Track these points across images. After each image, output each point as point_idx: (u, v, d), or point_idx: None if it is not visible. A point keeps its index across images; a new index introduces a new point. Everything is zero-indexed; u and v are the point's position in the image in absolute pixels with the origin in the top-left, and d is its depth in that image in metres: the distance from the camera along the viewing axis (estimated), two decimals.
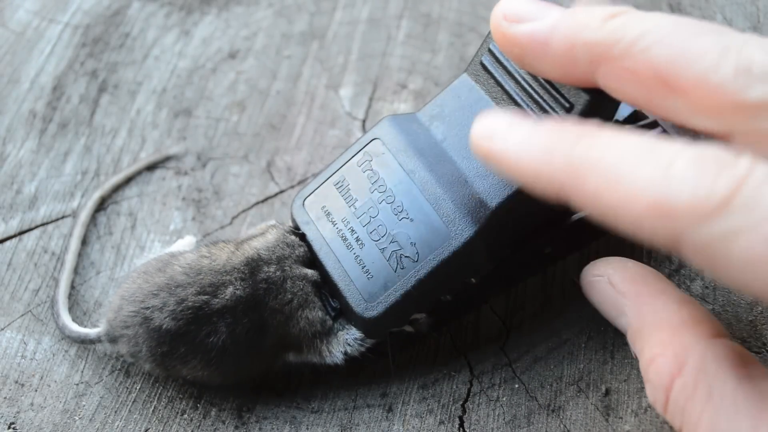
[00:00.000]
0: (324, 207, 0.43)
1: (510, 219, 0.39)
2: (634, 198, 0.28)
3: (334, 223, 0.42)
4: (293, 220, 0.44)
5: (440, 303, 0.42)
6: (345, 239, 0.42)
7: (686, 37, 0.30)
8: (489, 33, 0.40)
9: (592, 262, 0.40)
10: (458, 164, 0.40)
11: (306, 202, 0.44)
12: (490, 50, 0.40)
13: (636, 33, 0.31)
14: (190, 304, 0.40)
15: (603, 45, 0.32)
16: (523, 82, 0.39)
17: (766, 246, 0.26)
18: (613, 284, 0.38)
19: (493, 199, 0.39)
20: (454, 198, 0.39)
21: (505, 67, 0.40)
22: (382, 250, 0.40)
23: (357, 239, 0.41)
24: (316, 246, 0.42)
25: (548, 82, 0.38)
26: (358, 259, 0.41)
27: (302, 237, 0.44)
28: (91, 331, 0.45)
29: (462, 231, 0.39)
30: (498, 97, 0.40)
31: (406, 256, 0.40)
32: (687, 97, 0.30)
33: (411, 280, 0.39)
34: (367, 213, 0.41)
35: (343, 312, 0.42)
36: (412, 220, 0.40)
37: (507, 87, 0.39)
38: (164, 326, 0.40)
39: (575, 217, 0.44)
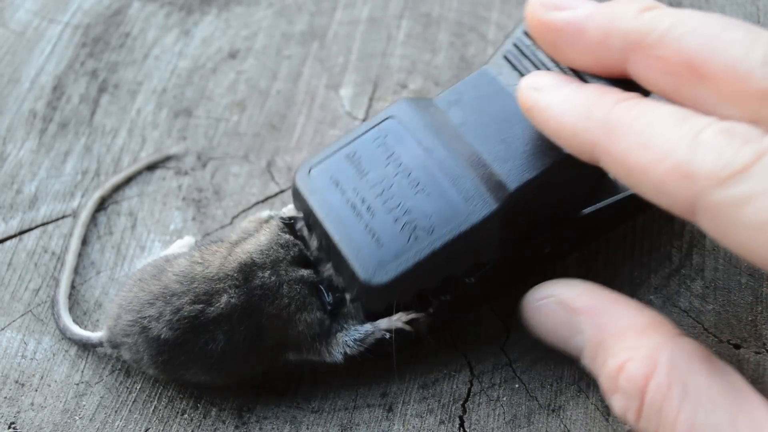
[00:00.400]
0: (332, 177, 0.41)
1: (526, 205, 0.39)
2: (660, 159, 0.30)
3: (343, 192, 0.41)
4: (296, 189, 0.43)
5: (441, 304, 0.42)
6: (354, 208, 0.40)
7: (716, 29, 0.32)
8: (514, 30, 0.41)
9: (532, 288, 0.40)
10: (476, 148, 0.40)
11: (312, 172, 0.42)
12: (515, 45, 0.41)
13: (669, 23, 0.33)
14: (185, 313, 0.40)
15: (637, 33, 0.34)
16: None
17: None
18: (563, 303, 0.38)
19: (513, 183, 0.38)
20: (473, 176, 0.39)
21: (531, 61, 0.40)
22: (395, 220, 0.39)
23: (368, 208, 0.40)
24: (322, 214, 0.41)
25: (577, 76, 0.38)
26: (368, 227, 0.39)
27: (293, 229, 0.43)
28: (93, 335, 0.45)
29: (481, 207, 0.38)
30: None
31: (420, 228, 0.39)
32: (715, 85, 0.32)
33: (425, 251, 0.38)
34: (380, 184, 0.40)
35: (346, 287, 0.41)
36: (428, 194, 0.39)
37: None
38: (162, 336, 0.40)
39: (581, 213, 0.44)
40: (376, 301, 0.40)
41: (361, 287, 0.39)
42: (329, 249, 0.41)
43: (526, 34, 0.40)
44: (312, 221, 0.42)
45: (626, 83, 0.36)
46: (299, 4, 0.65)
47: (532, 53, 0.40)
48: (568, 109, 0.34)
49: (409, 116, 0.42)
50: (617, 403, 0.34)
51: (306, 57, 0.61)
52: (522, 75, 0.40)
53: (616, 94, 0.34)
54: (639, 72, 0.34)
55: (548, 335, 0.39)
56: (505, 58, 0.41)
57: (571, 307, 0.37)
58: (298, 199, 0.43)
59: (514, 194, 0.38)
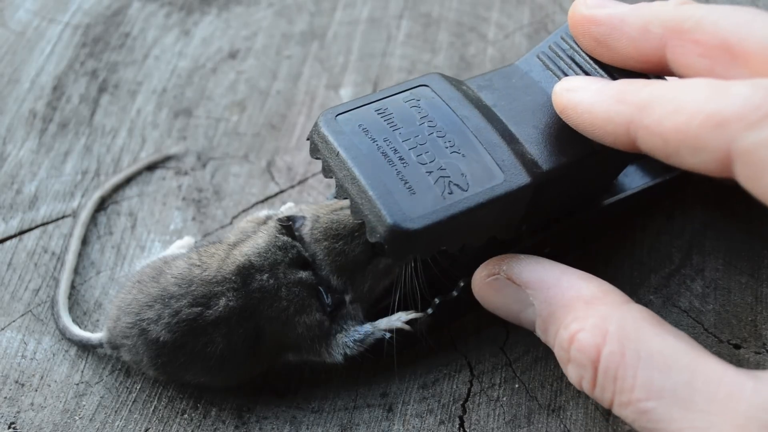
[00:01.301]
0: (362, 125, 0.39)
1: (553, 189, 0.40)
2: (692, 116, 0.32)
3: (374, 140, 0.38)
4: (316, 133, 0.39)
5: (442, 303, 0.42)
6: (386, 156, 0.38)
7: (749, 15, 0.35)
8: (554, 33, 0.42)
9: (481, 266, 0.40)
10: (510, 127, 0.40)
11: (339, 118, 0.39)
12: (551, 47, 0.42)
13: (705, 11, 0.36)
14: (184, 316, 0.40)
15: (676, 20, 0.36)
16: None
17: None
18: (511, 278, 0.38)
19: (546, 164, 0.39)
20: (508, 149, 0.39)
21: (565, 62, 0.41)
22: (429, 173, 0.38)
23: (401, 158, 0.38)
24: (349, 155, 0.38)
25: (612, 78, 0.39)
26: (401, 175, 0.37)
27: (290, 230, 0.42)
28: (93, 336, 0.45)
29: (517, 177, 0.38)
30: (551, 87, 0.40)
31: (455, 184, 0.38)
32: (748, 63, 0.34)
33: (459, 205, 0.37)
34: (413, 140, 0.39)
35: (365, 230, 0.38)
36: (464, 155, 0.39)
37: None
38: (161, 338, 0.40)
39: (607, 201, 0.45)
40: (400, 249, 0.37)
41: (388, 232, 0.36)
42: (351, 195, 0.38)
43: (563, 38, 0.41)
44: (335, 165, 0.38)
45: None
46: (299, 4, 0.65)
47: (567, 56, 0.41)
48: (600, 100, 0.36)
49: (442, 86, 0.41)
50: (572, 373, 0.35)
51: (306, 57, 0.61)
52: (554, 73, 0.41)
53: (643, 80, 0.36)
54: (677, 57, 0.36)
55: (500, 310, 0.39)
56: (538, 57, 0.42)
57: (518, 282, 0.38)
58: (319, 143, 0.39)
59: (546, 174, 0.39)
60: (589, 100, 0.36)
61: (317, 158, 0.39)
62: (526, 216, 0.40)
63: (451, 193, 0.37)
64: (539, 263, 0.38)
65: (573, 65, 0.41)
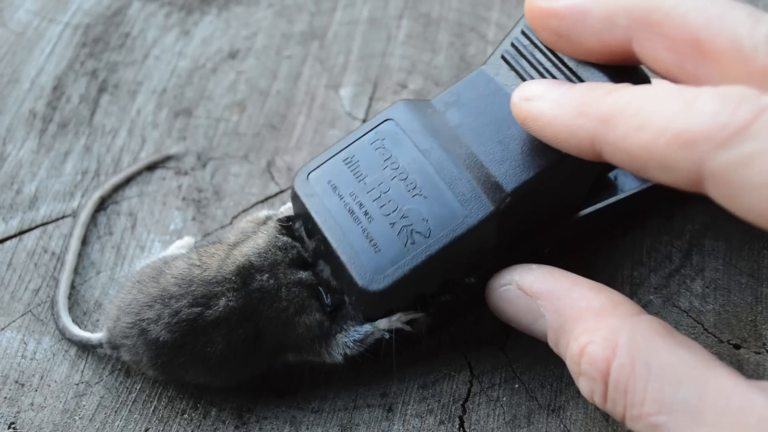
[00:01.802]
0: (330, 181, 0.41)
1: (523, 206, 0.39)
2: (659, 133, 0.30)
3: (341, 197, 0.41)
4: (294, 194, 0.43)
5: (440, 304, 0.42)
6: (352, 213, 0.40)
7: (720, 8, 0.32)
8: (512, 30, 0.41)
9: (493, 276, 0.40)
10: (473, 149, 0.40)
11: (311, 176, 0.42)
12: (513, 44, 0.41)
13: (675, 1, 0.33)
14: (184, 316, 0.40)
15: (643, 10, 0.34)
16: (547, 75, 0.39)
17: None
18: (523, 289, 0.38)
19: (510, 184, 0.39)
20: (470, 178, 0.39)
21: (529, 60, 0.40)
22: (392, 224, 0.39)
23: (365, 213, 0.40)
24: (320, 219, 0.41)
25: (575, 75, 0.38)
26: (366, 232, 0.39)
27: (290, 231, 0.43)
28: (93, 336, 0.45)
29: (478, 210, 0.38)
30: None
31: (417, 232, 0.39)
32: (719, 62, 0.32)
33: (422, 255, 0.38)
34: (377, 188, 0.40)
35: (344, 291, 0.41)
36: (425, 197, 0.39)
37: (529, 78, 0.40)
38: (161, 338, 0.40)
39: (581, 213, 0.44)
40: (375, 307, 0.40)
41: (359, 293, 0.39)
42: (328, 254, 0.41)
43: (524, 33, 0.41)
44: (311, 226, 0.42)
45: (624, 73, 0.36)
46: (299, 4, 0.65)
47: (530, 53, 0.40)
48: (561, 112, 0.34)
49: (406, 118, 0.42)
50: (583, 386, 0.34)
51: (306, 57, 0.61)
52: (519, 75, 0.40)
53: (605, 86, 0.34)
54: (644, 51, 0.34)
55: (513, 321, 0.39)
56: (503, 58, 0.41)
57: (530, 293, 0.37)
58: (297, 203, 0.43)
59: (511, 195, 0.39)
60: (549, 112, 0.35)
61: (299, 215, 0.43)
62: (501, 238, 0.40)
63: (413, 243, 0.39)
64: (550, 274, 0.38)
65: (537, 63, 0.40)
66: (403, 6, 0.64)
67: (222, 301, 0.40)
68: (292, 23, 0.63)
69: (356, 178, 0.41)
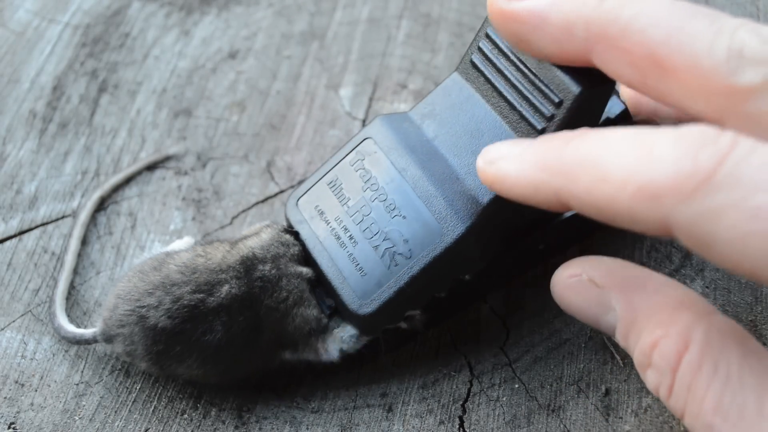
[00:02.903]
0: (317, 206, 0.43)
1: (501, 216, 0.39)
2: (622, 186, 0.29)
3: (327, 222, 0.42)
4: (287, 220, 0.44)
5: (435, 300, 0.42)
6: (338, 238, 0.42)
7: (681, 20, 0.31)
8: (478, 32, 0.41)
9: (561, 266, 0.39)
10: (449, 161, 0.40)
11: (300, 202, 0.44)
12: (479, 48, 0.40)
13: (631, 13, 0.32)
14: (185, 302, 0.40)
15: (599, 23, 0.32)
16: (513, 79, 0.39)
17: (750, 223, 0.26)
18: (593, 280, 0.37)
19: (485, 196, 0.39)
20: (445, 195, 0.39)
21: (495, 65, 0.40)
22: (375, 247, 0.40)
23: (350, 237, 0.41)
24: (310, 245, 0.42)
25: (537, 78, 0.38)
26: (352, 257, 0.41)
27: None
28: (87, 332, 0.44)
29: (454, 228, 0.39)
30: (488, 95, 0.40)
31: (399, 254, 0.40)
32: (679, 79, 0.30)
33: (404, 277, 0.39)
34: (359, 211, 0.41)
35: (338, 310, 0.42)
36: (404, 217, 0.40)
37: (497, 84, 0.40)
38: (160, 324, 0.40)
39: (567, 214, 0.44)
40: (368, 328, 0.41)
41: (351, 317, 0.41)
42: (320, 278, 0.42)
43: (488, 36, 0.40)
44: (306, 252, 0.43)
45: (587, 74, 0.36)
46: (299, 4, 0.65)
47: (495, 57, 0.40)
48: (523, 169, 0.33)
49: (383, 135, 0.42)
50: (650, 379, 0.34)
51: (306, 57, 0.61)
52: (487, 80, 0.40)
53: (563, 136, 0.33)
54: (604, 63, 0.33)
55: (579, 313, 0.38)
56: (471, 62, 0.41)
57: (601, 284, 0.36)
58: (292, 232, 0.44)
59: (487, 208, 0.39)
60: (513, 173, 0.34)
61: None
62: (484, 250, 0.40)
63: (396, 264, 0.40)
64: (624, 266, 0.37)
65: (502, 68, 0.39)
66: (403, 6, 0.64)
67: (225, 288, 0.40)
68: (292, 23, 0.63)
69: (340, 201, 0.42)
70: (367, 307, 0.40)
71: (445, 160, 0.40)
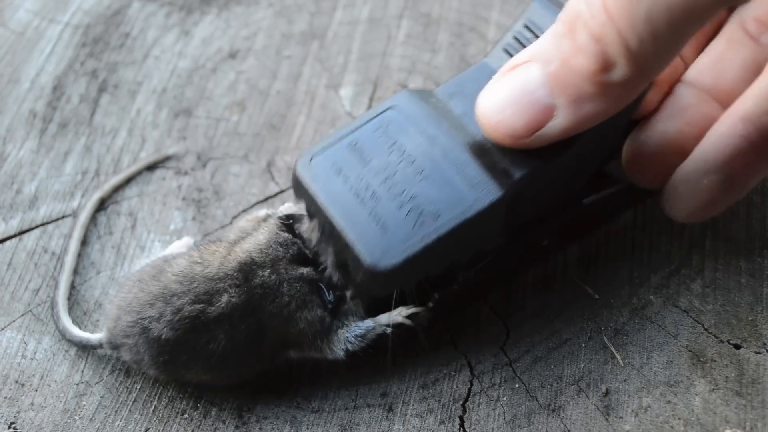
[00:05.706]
0: (335, 165, 0.41)
1: (530, 193, 0.40)
2: None
3: (346, 180, 0.41)
4: (296, 178, 0.42)
5: (439, 297, 0.42)
6: (358, 195, 0.40)
7: None
8: (516, 21, 0.41)
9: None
10: (479, 136, 0.40)
11: (314, 161, 0.42)
12: (516, 38, 0.41)
13: None
14: (186, 313, 0.40)
15: None
16: None
17: None
18: None
19: (518, 171, 0.39)
20: (478, 164, 0.39)
21: None
22: (400, 206, 0.39)
23: (372, 195, 0.40)
24: (325, 201, 0.40)
25: None
26: (373, 213, 0.39)
27: (291, 228, 0.43)
28: (93, 337, 0.45)
29: (487, 194, 0.39)
30: None
31: (426, 213, 0.39)
32: None
33: (432, 235, 0.38)
34: (383, 171, 0.40)
35: (350, 270, 0.41)
36: (433, 181, 0.40)
37: None
38: (163, 336, 0.40)
39: (587, 201, 0.44)
40: (381, 286, 0.40)
41: (366, 272, 0.39)
42: (332, 236, 0.41)
43: (527, 27, 0.41)
44: (314, 209, 0.41)
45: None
46: (299, 4, 0.65)
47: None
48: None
49: (410, 106, 0.42)
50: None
51: (306, 57, 0.61)
52: None
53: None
54: None
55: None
56: (505, 50, 0.41)
57: None
58: (300, 188, 0.42)
59: (519, 182, 0.39)
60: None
61: (301, 201, 0.42)
62: (507, 224, 0.40)
63: (422, 224, 0.39)
64: None
65: None
66: (403, 6, 0.64)
67: (224, 298, 0.40)
68: (292, 23, 0.63)
69: (362, 162, 0.41)
70: (387, 261, 0.38)
71: (474, 135, 0.40)
